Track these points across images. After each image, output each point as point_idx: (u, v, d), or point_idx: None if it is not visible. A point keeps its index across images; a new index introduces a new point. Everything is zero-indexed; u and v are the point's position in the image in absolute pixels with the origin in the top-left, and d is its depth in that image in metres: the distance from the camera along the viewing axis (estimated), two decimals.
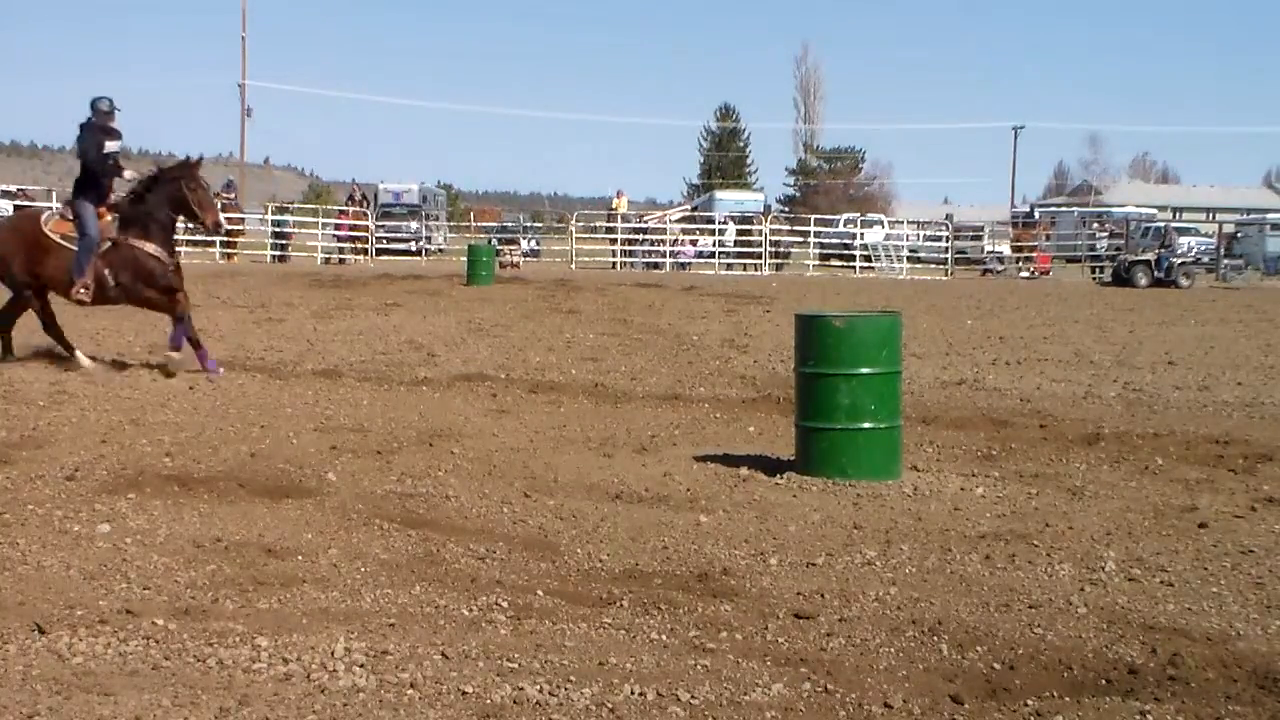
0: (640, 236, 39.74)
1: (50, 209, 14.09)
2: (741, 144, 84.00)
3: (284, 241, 37.49)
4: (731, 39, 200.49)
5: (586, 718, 3.94)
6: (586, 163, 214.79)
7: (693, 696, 4.07)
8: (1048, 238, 45.16)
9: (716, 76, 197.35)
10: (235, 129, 55.31)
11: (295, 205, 49.59)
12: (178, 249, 12.05)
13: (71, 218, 11.27)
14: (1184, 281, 33.18)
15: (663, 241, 39.16)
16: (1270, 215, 53.20)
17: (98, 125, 11.35)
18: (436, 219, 45.58)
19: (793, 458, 7.86)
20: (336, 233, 38.31)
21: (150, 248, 11.23)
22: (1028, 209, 49.18)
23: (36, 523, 6.06)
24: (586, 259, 38.14)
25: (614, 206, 42.69)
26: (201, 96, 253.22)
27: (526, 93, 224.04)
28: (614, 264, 37.80)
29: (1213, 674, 4.35)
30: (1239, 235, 45.90)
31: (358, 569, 5.49)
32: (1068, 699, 4.13)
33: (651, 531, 6.28)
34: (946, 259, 40.10)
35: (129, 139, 12.39)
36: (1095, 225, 46.12)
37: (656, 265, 37.56)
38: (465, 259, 27.03)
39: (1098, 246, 42.35)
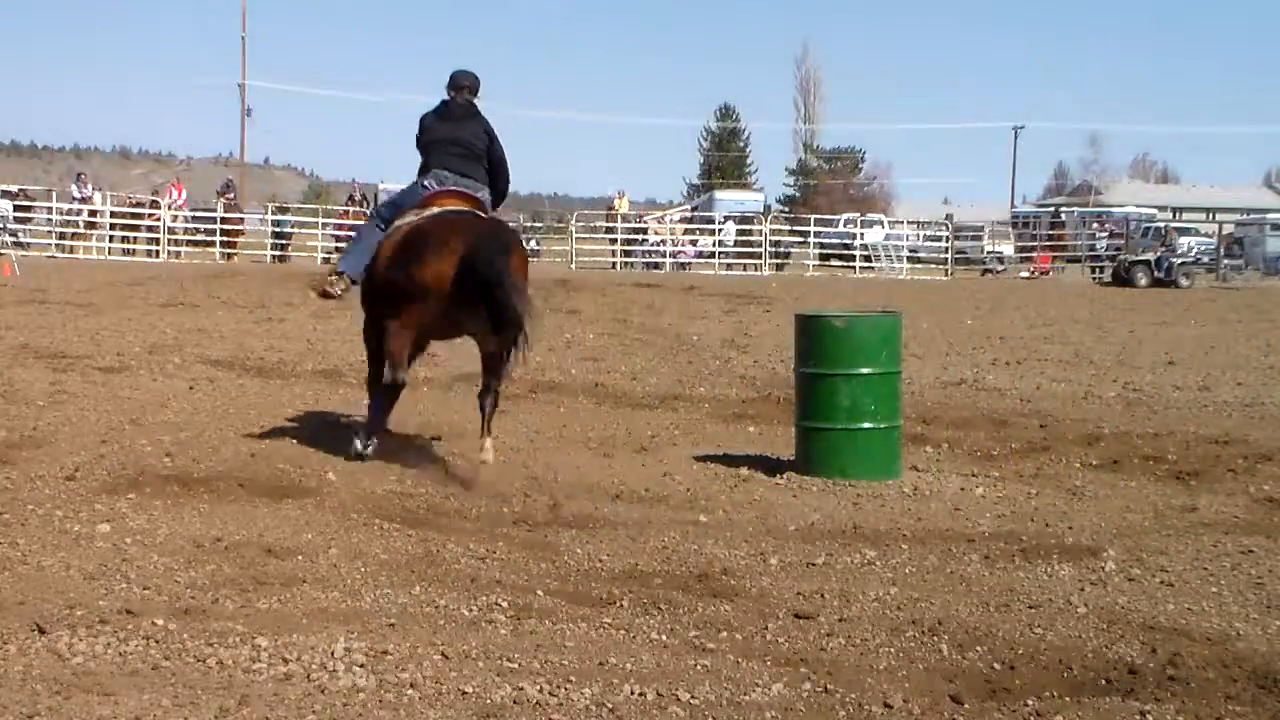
0: (640, 237, 39.73)
1: None
2: (741, 144, 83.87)
3: (284, 241, 37.49)
4: (731, 39, 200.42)
5: (586, 718, 3.94)
6: (586, 163, 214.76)
7: (693, 696, 4.07)
8: (1049, 238, 45.19)
9: (716, 76, 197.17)
10: (235, 129, 55.40)
11: (295, 205, 49.60)
12: None
13: None
14: (1184, 281, 33.20)
15: (663, 241, 39.14)
16: (1270, 215, 53.14)
17: None
18: None
19: (793, 458, 7.86)
20: (336, 233, 38.29)
21: None
22: (1053, 210, 49.40)
23: (36, 523, 6.05)
24: (586, 259, 38.12)
25: (615, 207, 42.66)
26: (201, 96, 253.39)
27: (526, 93, 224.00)
28: (614, 264, 37.79)
29: (1213, 674, 4.34)
30: (1243, 237, 45.86)
31: (358, 569, 5.48)
32: (1068, 699, 4.12)
33: (651, 531, 6.28)
34: (946, 259, 40.09)
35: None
36: (1095, 225, 46.09)
37: (656, 265, 37.55)
38: None
39: (1098, 246, 42.35)
